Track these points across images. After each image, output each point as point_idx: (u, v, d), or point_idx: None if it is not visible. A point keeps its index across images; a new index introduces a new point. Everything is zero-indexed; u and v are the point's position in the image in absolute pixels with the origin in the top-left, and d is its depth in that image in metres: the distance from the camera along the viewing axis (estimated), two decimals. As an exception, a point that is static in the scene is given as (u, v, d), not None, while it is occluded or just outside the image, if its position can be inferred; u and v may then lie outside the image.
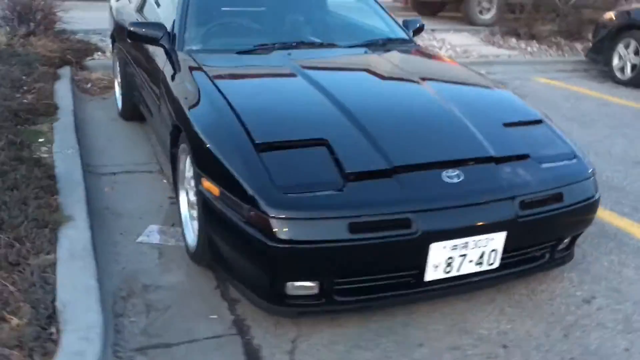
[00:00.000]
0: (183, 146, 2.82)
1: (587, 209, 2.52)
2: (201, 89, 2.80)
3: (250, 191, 2.17)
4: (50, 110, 4.48)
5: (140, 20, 4.17)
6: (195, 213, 2.76)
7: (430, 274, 2.25)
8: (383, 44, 3.59)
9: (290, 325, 2.38)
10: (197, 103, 2.72)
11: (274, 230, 2.09)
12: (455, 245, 2.23)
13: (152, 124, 3.82)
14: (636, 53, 7.20)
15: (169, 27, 3.38)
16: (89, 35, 7.20)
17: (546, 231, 2.46)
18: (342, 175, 2.23)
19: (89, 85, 5.78)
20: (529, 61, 8.26)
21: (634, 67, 7.25)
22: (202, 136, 2.49)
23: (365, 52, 3.45)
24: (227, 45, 3.32)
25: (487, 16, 11.12)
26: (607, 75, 7.64)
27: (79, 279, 2.42)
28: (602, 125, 5.44)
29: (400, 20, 3.96)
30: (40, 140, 3.95)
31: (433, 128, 2.60)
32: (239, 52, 3.24)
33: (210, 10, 3.56)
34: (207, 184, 2.39)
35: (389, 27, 3.80)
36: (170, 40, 3.29)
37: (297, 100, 2.73)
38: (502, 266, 2.39)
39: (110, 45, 5.28)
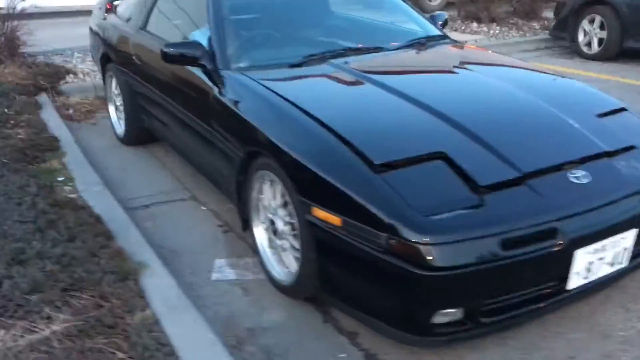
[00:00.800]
0: (262, 173, 2.61)
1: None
2: (278, 109, 2.59)
3: (386, 218, 2.00)
4: (54, 144, 4.13)
5: (145, 39, 3.90)
6: (285, 243, 2.58)
7: (573, 282, 2.17)
8: (425, 42, 3.47)
9: (429, 355, 2.24)
10: (281, 125, 2.51)
11: (425, 257, 1.94)
12: (596, 249, 2.16)
13: (186, 149, 3.56)
14: (602, 27, 7.42)
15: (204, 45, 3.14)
16: (48, 56, 6.73)
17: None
18: (474, 190, 2.10)
19: (70, 111, 5.38)
20: (494, 44, 8.35)
21: (600, 41, 7.47)
22: (305, 162, 2.29)
23: (417, 53, 3.33)
24: (275, 59, 3.10)
25: (435, 3, 11.27)
26: (573, 51, 7.86)
27: (194, 334, 2.20)
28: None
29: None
30: (60, 179, 3.62)
31: (539, 128, 2.50)
32: (292, 66, 3.03)
33: (245, 24, 3.33)
34: (321, 213, 2.20)
35: (421, 24, 3.69)
36: (210, 60, 3.05)
37: (389, 111, 2.56)
38: (629, 262, 2.34)
39: (99, 68, 4.89)
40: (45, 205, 2.97)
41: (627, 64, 7.17)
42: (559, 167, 2.25)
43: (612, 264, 2.26)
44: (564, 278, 2.16)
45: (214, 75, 3.02)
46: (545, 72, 3.20)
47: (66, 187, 3.52)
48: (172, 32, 3.75)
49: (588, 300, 2.51)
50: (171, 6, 3.94)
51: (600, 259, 2.19)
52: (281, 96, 2.66)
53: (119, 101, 4.53)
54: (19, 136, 4.17)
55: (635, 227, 2.24)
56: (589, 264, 2.17)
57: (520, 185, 2.15)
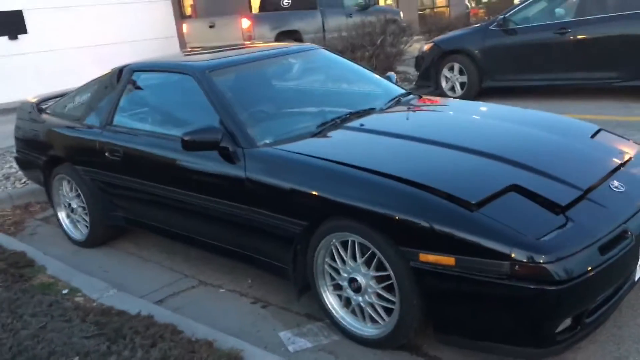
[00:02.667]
0: (329, 238, 2.75)
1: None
2: (338, 171, 2.76)
3: (505, 247, 2.26)
4: (26, 260, 3.80)
5: (113, 134, 3.83)
6: (371, 297, 2.71)
7: (638, 272, 2.59)
8: (401, 100, 3.84)
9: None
10: (352, 186, 2.67)
11: (550, 274, 2.22)
12: (647, 241, 2.61)
13: (203, 235, 3.49)
14: (461, 72, 8.46)
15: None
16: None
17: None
18: (557, 210, 2.45)
19: (-6, 224, 4.94)
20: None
21: (462, 84, 8.50)
22: (401, 216, 2.48)
23: (408, 109, 3.69)
24: (291, 131, 3.25)
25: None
26: (439, 95, 8.82)
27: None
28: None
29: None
30: (64, 292, 3.36)
31: (563, 154, 2.95)
32: (314, 135, 3.21)
33: (246, 102, 3.44)
34: (431, 257, 2.41)
35: (385, 85, 4.09)
36: (232, 141, 3.13)
37: (443, 160, 2.84)
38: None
39: (41, 174, 4.58)
40: (93, 317, 2.79)
41: (489, 100, 8.21)
42: (600, 182, 2.69)
43: (648, 253, 2.72)
44: (633, 270, 2.57)
45: (235, 156, 3.09)
46: (527, 110, 3.72)
47: (77, 299, 3.28)
48: (152, 125, 3.74)
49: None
50: (137, 100, 3.92)
51: (646, 249, 2.65)
52: (335, 161, 2.82)
53: (75, 203, 4.30)
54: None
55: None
56: (642, 254, 2.61)
57: (585, 200, 2.55)
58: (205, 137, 3.11)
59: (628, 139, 3.30)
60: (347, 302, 2.86)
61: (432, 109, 3.79)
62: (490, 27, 8.25)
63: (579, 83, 7.59)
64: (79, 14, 12.37)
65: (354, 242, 2.70)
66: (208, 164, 3.23)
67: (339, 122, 3.35)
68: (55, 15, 12.13)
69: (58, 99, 4.74)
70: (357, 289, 2.77)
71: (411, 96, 3.96)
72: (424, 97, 4.04)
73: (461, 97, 8.41)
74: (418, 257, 2.44)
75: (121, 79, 4.00)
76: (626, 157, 3.00)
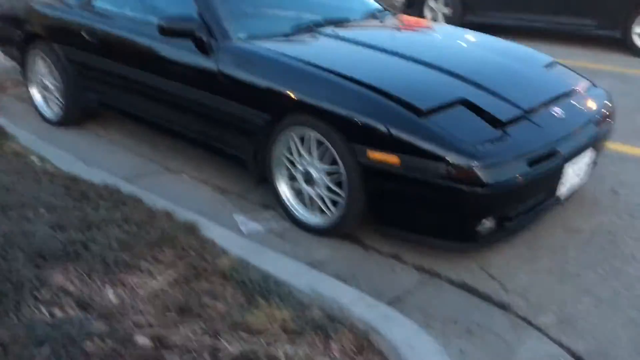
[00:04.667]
0: (289, 130, 2.94)
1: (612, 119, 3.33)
2: (304, 70, 2.94)
3: (443, 150, 2.51)
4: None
5: (92, 15, 3.92)
6: (322, 190, 2.95)
7: (560, 190, 2.89)
8: (380, 14, 4.00)
9: (465, 258, 2.82)
10: (317, 86, 2.86)
11: (479, 177, 2.48)
12: (574, 164, 2.88)
13: (171, 121, 3.67)
14: (445, 4, 8.53)
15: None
16: None
17: (603, 144, 3.23)
18: (497, 124, 2.70)
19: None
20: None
21: (445, 16, 8.58)
22: (355, 115, 2.69)
23: (381, 22, 3.85)
24: (267, 29, 3.39)
25: None
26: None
27: (286, 264, 2.53)
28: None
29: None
30: (34, 159, 3.54)
31: (514, 77, 3.18)
32: (286, 35, 3.36)
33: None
34: (378, 155, 2.64)
35: (367, 1, 4.22)
36: (207, 32, 3.26)
37: (402, 70, 3.04)
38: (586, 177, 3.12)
39: (17, 49, 4.65)
40: (62, 180, 2.99)
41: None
42: (542, 106, 2.93)
43: (578, 175, 3.01)
44: (555, 187, 2.86)
45: (210, 48, 3.23)
46: (494, 38, 3.90)
47: (48, 166, 3.47)
48: (132, 10, 3.82)
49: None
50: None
51: (575, 172, 2.93)
52: (304, 61, 3.00)
53: (49, 82, 4.41)
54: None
55: (592, 147, 3.00)
56: (569, 176, 2.90)
57: (525, 119, 2.80)
58: (182, 25, 3.24)
59: (581, 75, 3.52)
60: (299, 193, 3.11)
61: (402, 26, 3.95)
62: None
63: (556, 27, 7.75)
64: None
65: (310, 137, 2.91)
66: (182, 52, 3.37)
67: (313, 27, 3.49)
68: None
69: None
70: (309, 181, 3.01)
71: (387, 13, 4.10)
72: (400, 15, 4.18)
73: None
74: (366, 154, 2.68)
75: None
76: (572, 88, 3.23)
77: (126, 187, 3.19)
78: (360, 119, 2.69)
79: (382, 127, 2.64)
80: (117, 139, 4.33)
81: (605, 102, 3.30)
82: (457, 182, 2.51)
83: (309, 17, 3.69)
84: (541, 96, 3.01)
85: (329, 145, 2.82)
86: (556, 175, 2.80)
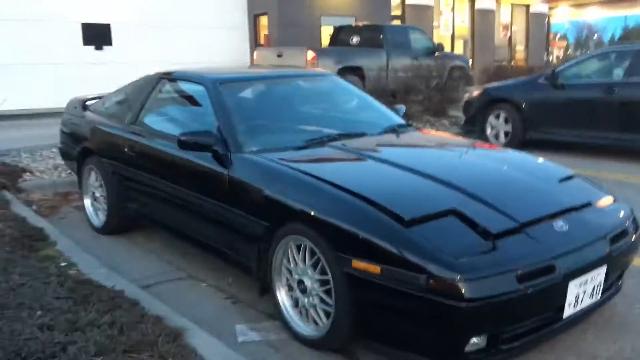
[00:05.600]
0: (287, 239, 2.97)
1: (638, 241, 3.13)
2: (302, 181, 3.01)
3: (424, 262, 2.43)
4: (42, 235, 4.23)
5: (136, 132, 4.24)
6: (315, 300, 2.91)
7: (567, 311, 2.67)
8: (397, 129, 4.07)
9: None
10: (310, 195, 2.91)
11: (460, 291, 2.36)
12: (581, 282, 2.68)
13: (188, 230, 3.82)
14: (506, 121, 8.52)
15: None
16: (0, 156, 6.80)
17: (623, 262, 3.02)
18: (487, 237, 2.60)
19: (34, 207, 5.46)
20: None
21: (506, 133, 8.54)
22: (342, 224, 2.69)
23: (397, 137, 3.92)
24: (278, 143, 3.54)
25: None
26: (484, 142, 8.87)
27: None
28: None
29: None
30: (63, 264, 3.74)
31: (518, 190, 3.09)
32: (297, 148, 3.48)
33: (246, 114, 3.77)
34: (361, 264, 2.59)
35: (389, 115, 4.32)
36: (223, 145, 3.44)
37: (398, 180, 3.05)
38: (600, 297, 2.88)
39: (76, 163, 5.08)
40: (73, 284, 3.13)
41: (530, 151, 8.18)
42: (543, 219, 2.80)
43: (591, 296, 2.79)
44: (561, 308, 2.65)
45: (226, 159, 3.40)
46: (509, 150, 3.86)
47: (71, 272, 3.64)
48: (167, 126, 4.12)
49: (567, 331, 3.00)
50: (160, 103, 4.34)
51: (585, 291, 2.72)
52: (300, 171, 3.08)
53: (98, 193, 4.74)
54: (7, 230, 4.24)
55: (605, 264, 2.80)
56: (577, 295, 2.69)
57: (520, 232, 2.67)
58: (200, 139, 3.45)
59: (604, 191, 3.36)
60: (297, 303, 3.07)
61: (415, 140, 3.97)
62: (539, 81, 8.30)
63: (620, 144, 7.50)
64: (160, 33, 13.30)
65: (305, 245, 2.92)
66: (200, 163, 3.57)
67: (326, 141, 3.61)
68: (139, 31, 13.10)
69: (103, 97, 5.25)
70: (304, 291, 2.98)
71: (409, 128, 4.17)
72: (423, 130, 4.23)
73: (504, 146, 8.47)
74: (351, 264, 2.64)
75: (151, 84, 4.43)
76: (585, 203, 3.07)
77: (133, 292, 3.28)
78: (345, 227, 2.69)
79: (365, 236, 2.61)
80: (152, 247, 4.51)
81: (626, 218, 3.10)
82: (438, 296, 2.40)
83: (326, 131, 3.81)
84: (544, 210, 2.89)
85: (320, 254, 2.81)
86: (557, 293, 2.61)
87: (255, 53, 13.04)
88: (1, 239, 3.89)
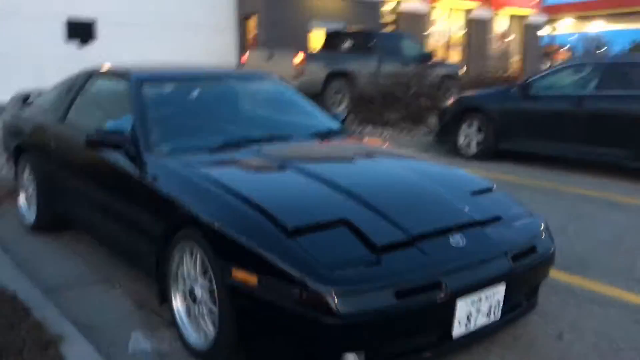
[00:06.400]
0: (182, 245, 2.85)
1: (551, 258, 3.01)
2: (202, 185, 2.89)
3: (298, 273, 2.31)
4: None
5: (66, 129, 4.12)
6: (204, 309, 2.79)
7: (456, 330, 2.54)
8: (327, 134, 3.95)
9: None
10: (204, 199, 2.80)
11: (330, 306, 2.24)
12: (473, 300, 2.55)
13: (102, 231, 3.72)
14: (479, 130, 8.38)
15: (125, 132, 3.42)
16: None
17: (528, 280, 2.89)
18: (372, 249, 2.47)
19: (-26, 202, 5.35)
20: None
21: (478, 143, 8.40)
22: (225, 230, 2.58)
23: (320, 141, 3.80)
24: (193, 144, 3.43)
25: (340, 108, 12.06)
26: (456, 152, 8.72)
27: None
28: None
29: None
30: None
31: (422, 200, 2.96)
32: (211, 150, 3.37)
33: (166, 114, 3.66)
34: (240, 274, 2.47)
35: (324, 119, 4.19)
36: (134, 145, 3.33)
37: (298, 187, 2.94)
38: (501, 316, 2.75)
39: (12, 158, 4.99)
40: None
41: (501, 163, 8.08)
42: (439, 232, 2.68)
43: (488, 315, 2.66)
44: (449, 326, 2.52)
45: (137, 159, 3.29)
46: (431, 161, 3.73)
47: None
48: (91, 122, 4.01)
49: (470, 352, 2.88)
50: (89, 100, 4.23)
51: (478, 309, 2.59)
52: (202, 175, 2.97)
53: (31, 189, 4.63)
54: None
55: (504, 282, 2.67)
56: (469, 313, 2.56)
57: (409, 246, 2.55)
58: (107, 138, 3.33)
59: (520, 206, 3.23)
60: (189, 312, 2.95)
61: (338, 147, 3.84)
62: (512, 91, 8.17)
63: (590, 157, 7.36)
64: (147, 31, 13.21)
65: (196, 252, 2.80)
66: (113, 162, 3.45)
67: (243, 143, 3.49)
68: (125, 28, 13.02)
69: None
70: (195, 299, 2.86)
71: (340, 135, 4.05)
72: (350, 136, 4.10)
73: (475, 155, 8.33)
74: (231, 273, 2.52)
75: (83, 79, 4.33)
76: (493, 217, 2.94)
77: (29, 296, 3.17)
78: (229, 233, 2.57)
79: (245, 243, 2.49)
80: (79, 248, 4.37)
81: (536, 234, 2.98)
82: (309, 309, 2.27)
83: (249, 134, 3.69)
84: (444, 222, 2.76)
85: (207, 261, 2.69)
86: (443, 311, 2.48)
87: (246, 54, 12.90)
88: None
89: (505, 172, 7.42)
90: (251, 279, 2.44)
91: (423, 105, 10.66)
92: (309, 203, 2.79)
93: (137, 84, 3.71)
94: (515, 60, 23.30)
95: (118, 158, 3.40)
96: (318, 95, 11.50)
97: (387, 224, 2.65)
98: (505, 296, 2.70)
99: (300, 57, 11.37)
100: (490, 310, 2.66)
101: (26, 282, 3.42)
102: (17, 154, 4.81)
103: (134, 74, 3.82)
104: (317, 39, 15.11)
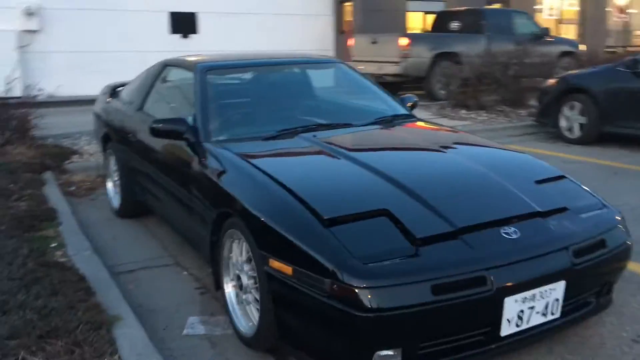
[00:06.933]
0: (231, 232, 2.87)
1: (625, 253, 2.72)
2: (245, 174, 2.89)
3: (330, 265, 2.24)
4: (51, 215, 4.42)
5: (141, 118, 4.27)
6: (249, 297, 2.79)
7: (505, 329, 2.36)
8: (391, 120, 3.81)
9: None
10: (249, 188, 2.80)
11: (361, 300, 2.15)
12: (525, 298, 2.36)
13: (172, 217, 3.84)
14: (582, 113, 7.79)
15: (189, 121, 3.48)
16: (59, 139, 7.19)
17: (595, 277, 2.63)
18: (412, 241, 2.34)
19: (72, 187, 5.72)
20: (483, 129, 8.74)
21: (581, 126, 7.82)
22: (263, 219, 2.56)
23: (381, 128, 3.67)
24: (250, 133, 3.44)
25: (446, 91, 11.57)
26: (556, 135, 8.19)
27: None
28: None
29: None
30: (53, 245, 3.88)
31: (477, 190, 2.77)
32: (265, 139, 3.36)
33: (227, 103, 3.70)
34: (276, 264, 2.44)
35: (390, 104, 4.05)
36: (194, 134, 3.38)
37: (344, 176, 2.86)
38: (563, 315, 2.52)
39: (101, 147, 5.29)
40: (35, 266, 3.22)
41: (605, 147, 7.48)
42: (491, 224, 2.49)
43: (544, 314, 2.44)
44: (497, 325, 2.34)
45: (196, 147, 3.34)
46: (497, 147, 3.49)
47: (57, 252, 3.77)
48: (165, 112, 4.13)
49: (530, 352, 2.67)
50: (163, 90, 4.36)
51: (531, 307, 2.39)
52: (250, 163, 2.97)
53: (116, 177, 4.87)
54: (21, 208, 4.47)
55: (564, 279, 2.44)
56: (520, 312, 2.36)
57: (454, 238, 2.39)
58: (171, 127, 3.41)
59: (592, 194, 2.95)
60: (239, 299, 2.96)
61: (397, 133, 3.67)
62: (620, 68, 7.51)
63: None
64: (244, 21, 13.50)
65: (241, 240, 2.80)
66: (176, 151, 3.54)
67: (299, 131, 3.44)
68: (224, 19, 13.38)
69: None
70: (241, 286, 2.86)
71: (405, 119, 3.89)
72: (415, 122, 3.92)
73: (577, 140, 7.79)
74: (269, 262, 2.49)
75: (158, 70, 4.47)
76: (560, 207, 2.70)
77: (97, 277, 3.32)
78: (268, 222, 2.54)
79: (283, 233, 2.46)
80: (159, 233, 4.55)
81: (608, 227, 2.69)
82: (340, 303, 2.19)
83: (307, 121, 3.64)
84: (497, 213, 2.56)
85: (250, 250, 2.68)
86: (489, 309, 2.31)
87: (352, 40, 12.85)
88: (4, 218, 4.08)
89: (610, 158, 6.87)
90: (286, 269, 2.40)
91: (524, 86, 10.07)
92: (351, 193, 2.70)
93: (201, 74, 3.77)
94: (638, 35, 21.51)
95: (181, 146, 3.47)
96: (423, 79, 11.22)
97: (433, 215, 2.50)
98: (565, 294, 2.47)
99: (405, 40, 11.17)
100: (547, 309, 2.44)
101: (97, 265, 3.58)
102: (105, 143, 5.07)
103: (199, 64, 3.88)
104: (415, 20, 14.76)
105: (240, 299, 2.90)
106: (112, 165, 4.94)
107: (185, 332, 3.04)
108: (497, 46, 11.06)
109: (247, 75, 4.04)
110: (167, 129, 3.41)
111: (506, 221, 2.52)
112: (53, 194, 5.10)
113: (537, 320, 2.44)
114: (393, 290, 2.18)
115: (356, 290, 2.16)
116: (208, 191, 3.13)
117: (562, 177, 3.05)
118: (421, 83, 11.37)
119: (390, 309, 2.16)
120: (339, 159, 3.03)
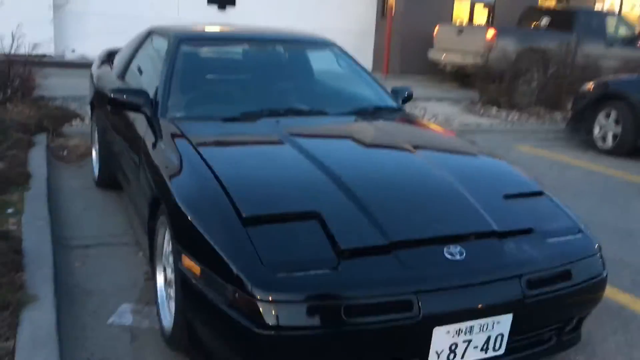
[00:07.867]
0: (162, 219, 2.62)
1: (595, 288, 2.36)
2: (183, 157, 2.63)
3: (235, 270, 1.96)
4: (22, 179, 4.26)
5: (122, 86, 4.05)
6: (172, 292, 2.54)
7: (434, 363, 2.04)
8: (372, 113, 3.49)
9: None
10: (179, 173, 2.55)
11: (261, 314, 1.87)
12: (460, 330, 2.03)
13: (130, 194, 3.63)
14: (617, 122, 7.24)
15: (151, 94, 3.24)
16: (67, 101, 7.07)
17: (554, 312, 2.27)
18: (336, 252, 2.04)
19: (64, 152, 5.58)
20: (510, 130, 8.28)
21: (615, 136, 7.27)
22: (183, 208, 2.30)
23: (355, 120, 3.34)
24: (212, 112, 3.19)
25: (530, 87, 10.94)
26: (589, 144, 7.64)
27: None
28: (590, 195, 5.35)
29: (389, 88, 3.88)
30: (9, 210, 3.72)
31: (431, 200, 2.45)
32: (225, 120, 3.09)
33: (196, 78, 3.44)
34: (187, 261, 2.18)
35: (377, 95, 3.71)
36: (152, 107, 3.14)
37: (287, 170, 2.58)
38: (509, 351, 2.19)
39: (90, 112, 5.13)
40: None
41: (638, 161, 6.93)
42: (434, 241, 2.16)
43: (484, 349, 2.12)
44: (424, 357, 2.03)
45: (150, 123, 3.10)
46: (482, 155, 3.11)
47: (12, 219, 3.60)
48: (142, 82, 3.90)
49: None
50: (145, 58, 4.12)
51: (467, 341, 2.06)
52: (192, 145, 2.71)
53: (97, 145, 4.69)
54: (-5, 170, 4.33)
55: (511, 312, 2.10)
56: (453, 345, 2.04)
57: (385, 253, 2.07)
58: (127, 98, 3.19)
59: (568, 216, 2.57)
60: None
61: (371, 128, 3.32)
62: (662, 76, 6.93)
63: None
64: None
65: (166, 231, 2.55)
66: (136, 123, 3.31)
67: (265, 114, 3.15)
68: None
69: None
70: (166, 278, 2.62)
71: (391, 113, 3.54)
72: (401, 118, 3.56)
73: (610, 150, 7.24)
74: (182, 258, 2.23)
75: (142, 38, 4.24)
76: (520, 229, 2.34)
77: (37, 251, 3.13)
78: (186, 213, 2.28)
79: (198, 228, 2.18)
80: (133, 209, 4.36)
81: (581, 256, 2.33)
82: (240, 315, 1.92)
83: (278, 105, 3.34)
84: (445, 229, 2.23)
85: (172, 241, 2.42)
86: (412, 338, 1.99)
87: (436, 28, 12.46)
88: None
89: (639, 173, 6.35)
90: (196, 268, 2.13)
91: (564, 88, 9.47)
92: (287, 189, 2.40)
93: (174, 44, 3.51)
94: None
95: (140, 120, 3.24)
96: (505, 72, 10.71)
97: (368, 223, 2.18)
98: (513, 328, 2.13)
99: (491, 32, 10.79)
100: (487, 344, 2.11)
101: (45, 236, 3.39)
102: (92, 109, 4.89)
103: (174, 33, 3.63)
104: (462, 10, 14.18)
105: (168, 293, 2.66)
106: (95, 132, 4.76)
107: (110, 320, 2.82)
108: (586, 47, 10.54)
109: (227, 50, 3.75)
110: (123, 101, 3.17)
111: (453, 239, 2.19)
112: (37, 157, 4.96)
113: (474, 355, 2.11)
114: (300, 306, 1.90)
115: (257, 303, 1.88)
116: (151, 171, 2.89)
117: (539, 193, 2.68)
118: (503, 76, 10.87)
119: (293, 328, 1.88)
120: (289, 150, 2.73)
